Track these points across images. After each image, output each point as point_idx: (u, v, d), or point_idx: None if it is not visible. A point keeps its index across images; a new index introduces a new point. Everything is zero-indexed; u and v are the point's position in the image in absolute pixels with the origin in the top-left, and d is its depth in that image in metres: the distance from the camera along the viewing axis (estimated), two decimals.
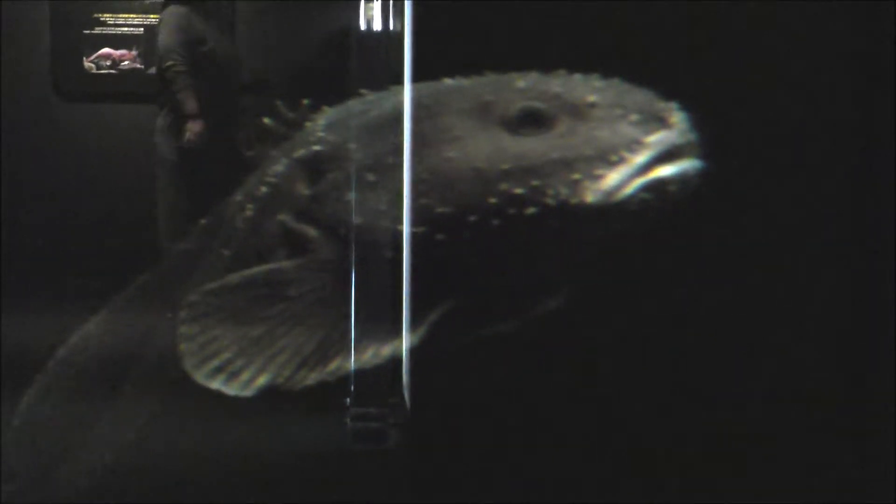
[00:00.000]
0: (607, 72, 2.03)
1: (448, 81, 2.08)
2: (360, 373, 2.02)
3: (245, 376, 1.97)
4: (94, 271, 2.76)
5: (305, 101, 2.20)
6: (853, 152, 2.31)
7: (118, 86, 3.00)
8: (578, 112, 1.97)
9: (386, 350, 2.00)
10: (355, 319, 2.01)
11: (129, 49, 2.99)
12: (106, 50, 2.98)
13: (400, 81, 2.12)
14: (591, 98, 1.97)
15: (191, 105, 3.03)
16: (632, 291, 2.26)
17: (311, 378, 1.97)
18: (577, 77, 2.02)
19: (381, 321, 2.02)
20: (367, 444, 2.19)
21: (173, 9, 3.08)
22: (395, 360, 2.06)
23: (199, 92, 3.04)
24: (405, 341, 2.03)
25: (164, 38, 3.04)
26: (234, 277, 2.05)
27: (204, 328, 2.00)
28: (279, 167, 2.11)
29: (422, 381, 2.15)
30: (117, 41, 3.00)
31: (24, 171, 2.88)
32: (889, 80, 2.25)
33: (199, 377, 1.98)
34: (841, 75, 2.30)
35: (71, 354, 2.38)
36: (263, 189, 2.11)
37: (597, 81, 2.01)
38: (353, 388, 2.13)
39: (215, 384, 1.97)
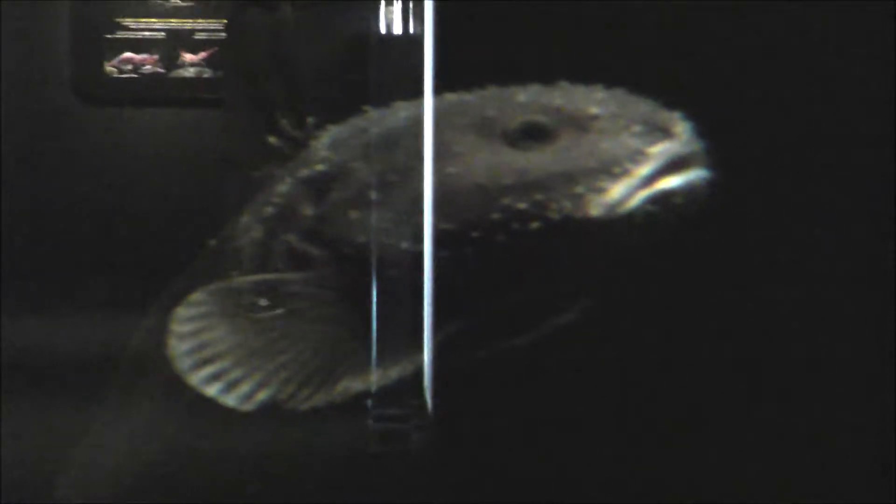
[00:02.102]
0: (619, 82, 2.01)
1: (449, 96, 2.07)
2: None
3: (244, 388, 1.95)
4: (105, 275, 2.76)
5: (310, 119, 2.19)
6: (866, 157, 2.27)
7: (140, 90, 2.99)
8: (580, 124, 1.95)
9: (394, 371, 2.00)
10: (362, 340, 2.01)
11: (150, 53, 2.98)
12: (127, 54, 2.98)
13: (420, 87, 2.10)
14: (593, 110, 1.95)
15: (277, 112, 2.98)
16: (648, 304, 2.25)
17: (317, 399, 1.96)
18: (580, 88, 2.00)
19: (389, 341, 2.02)
20: (388, 446, 2.18)
21: (262, 15, 2.98)
22: (417, 363, 2.05)
23: (281, 100, 2.99)
24: (427, 344, 2.02)
25: (256, 46, 2.96)
26: (236, 280, 2.06)
27: (199, 329, 1.99)
28: (284, 187, 2.11)
29: (444, 383, 2.15)
30: (139, 45, 3.00)
31: (46, 176, 2.90)
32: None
33: (195, 382, 1.96)
34: (850, 80, 2.27)
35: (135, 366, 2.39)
36: (269, 210, 2.11)
37: (600, 92, 1.99)
38: (374, 389, 2.12)
39: (212, 391, 1.95)
